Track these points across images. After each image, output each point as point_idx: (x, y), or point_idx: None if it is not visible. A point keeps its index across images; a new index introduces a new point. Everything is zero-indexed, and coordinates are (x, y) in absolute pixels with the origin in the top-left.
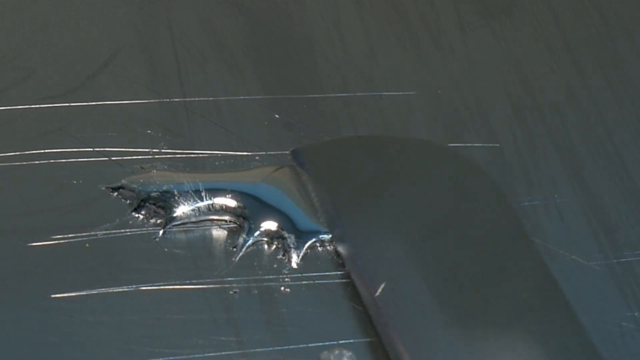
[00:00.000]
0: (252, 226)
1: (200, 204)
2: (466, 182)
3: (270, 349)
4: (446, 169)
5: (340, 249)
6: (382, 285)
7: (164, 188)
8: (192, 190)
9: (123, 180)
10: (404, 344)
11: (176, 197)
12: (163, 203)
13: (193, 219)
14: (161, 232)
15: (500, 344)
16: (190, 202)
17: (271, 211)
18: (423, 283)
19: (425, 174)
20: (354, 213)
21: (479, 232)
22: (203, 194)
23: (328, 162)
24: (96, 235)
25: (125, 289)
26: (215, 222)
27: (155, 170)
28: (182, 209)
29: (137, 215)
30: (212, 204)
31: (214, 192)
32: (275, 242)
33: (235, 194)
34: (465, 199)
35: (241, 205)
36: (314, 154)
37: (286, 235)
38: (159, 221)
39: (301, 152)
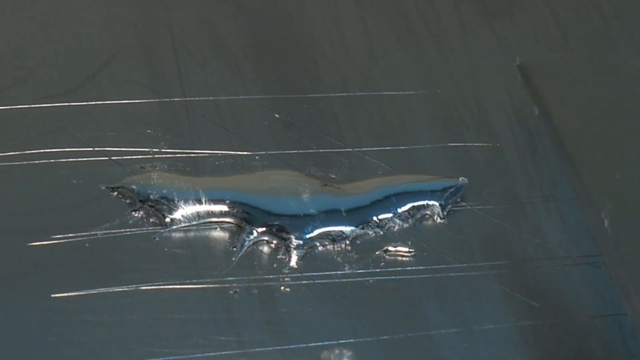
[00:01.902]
0: (253, 226)
1: (201, 209)
2: None
3: (270, 348)
4: None
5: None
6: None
7: (164, 192)
8: (192, 197)
9: (123, 180)
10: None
11: (176, 202)
12: (162, 207)
13: (193, 222)
14: (161, 232)
15: None
16: (190, 206)
17: (272, 213)
18: None
19: None
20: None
21: None
22: (203, 199)
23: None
24: (96, 235)
25: (125, 289)
26: (215, 222)
27: (155, 174)
28: (182, 212)
29: (137, 215)
30: (212, 210)
31: (215, 199)
32: (275, 242)
33: (236, 201)
34: None
35: (241, 209)
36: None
37: (286, 235)
38: (158, 221)
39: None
